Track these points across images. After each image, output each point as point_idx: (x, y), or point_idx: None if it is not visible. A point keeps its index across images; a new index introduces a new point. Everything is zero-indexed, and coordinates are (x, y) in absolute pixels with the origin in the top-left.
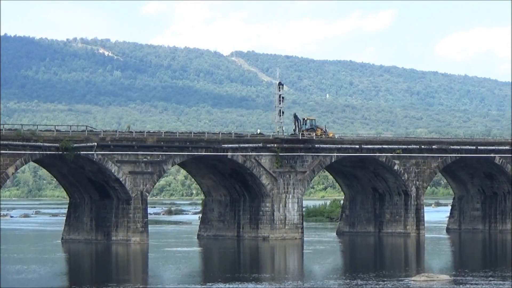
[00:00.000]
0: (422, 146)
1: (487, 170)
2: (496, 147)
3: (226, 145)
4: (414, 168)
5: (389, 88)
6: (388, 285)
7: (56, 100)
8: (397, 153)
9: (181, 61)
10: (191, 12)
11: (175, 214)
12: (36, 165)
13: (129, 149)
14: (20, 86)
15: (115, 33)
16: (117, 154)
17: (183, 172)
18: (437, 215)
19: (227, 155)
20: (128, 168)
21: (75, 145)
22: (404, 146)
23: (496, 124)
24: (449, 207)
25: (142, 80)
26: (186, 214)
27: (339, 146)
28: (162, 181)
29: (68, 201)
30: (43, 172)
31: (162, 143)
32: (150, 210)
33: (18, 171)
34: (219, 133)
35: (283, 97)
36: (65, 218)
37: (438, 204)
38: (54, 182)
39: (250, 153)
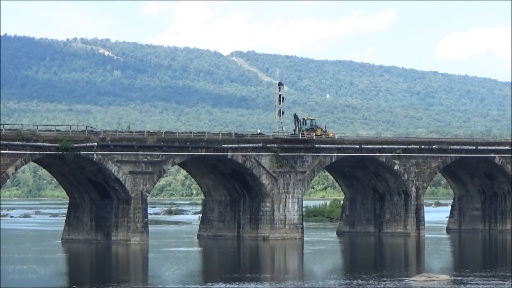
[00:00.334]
0: (422, 146)
1: (487, 170)
2: (496, 147)
3: (226, 145)
4: (414, 168)
5: (389, 88)
6: (388, 285)
7: (56, 100)
8: (397, 153)
9: (181, 61)
10: (191, 12)
11: (175, 214)
12: (36, 165)
13: (129, 149)
14: (20, 86)
15: (115, 33)
16: (117, 154)
17: (183, 172)
18: (437, 215)
19: (227, 155)
20: (128, 168)
21: (75, 145)
22: (404, 146)
23: (496, 124)
24: (449, 207)
25: (142, 80)
26: (186, 214)
27: (339, 146)
28: (162, 181)
29: (68, 201)
30: (43, 172)
31: (162, 143)
32: (150, 210)
33: (18, 171)
34: (219, 133)
35: (283, 97)
36: (65, 218)
37: (438, 204)
38: (54, 182)
39: (250, 153)
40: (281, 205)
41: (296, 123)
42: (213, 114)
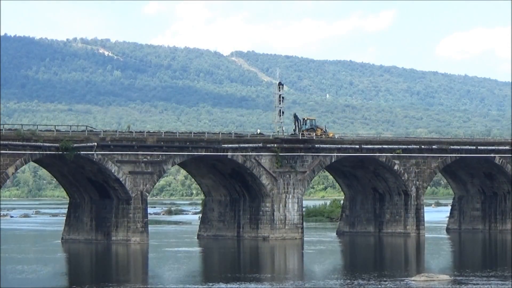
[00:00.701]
0: (422, 146)
1: (487, 170)
2: (496, 147)
3: (226, 145)
4: (414, 168)
5: (389, 88)
6: (388, 285)
7: (56, 100)
8: (397, 153)
9: (181, 61)
10: (191, 12)
11: (175, 214)
12: (36, 165)
13: (129, 149)
14: (20, 86)
15: (115, 33)
16: (117, 154)
17: (183, 172)
18: (437, 215)
19: (227, 155)
20: (128, 168)
21: (75, 145)
22: (404, 146)
23: (496, 124)
24: (449, 207)
25: (142, 80)
26: (186, 214)
27: (339, 146)
28: (162, 181)
29: (68, 201)
30: (43, 172)
31: (162, 143)
32: (150, 210)
33: (18, 171)
34: (219, 133)
35: (283, 97)
36: (65, 218)
37: (438, 204)
38: (54, 182)
39: (250, 153)
40: (281, 205)
41: (296, 123)
42: (213, 114)
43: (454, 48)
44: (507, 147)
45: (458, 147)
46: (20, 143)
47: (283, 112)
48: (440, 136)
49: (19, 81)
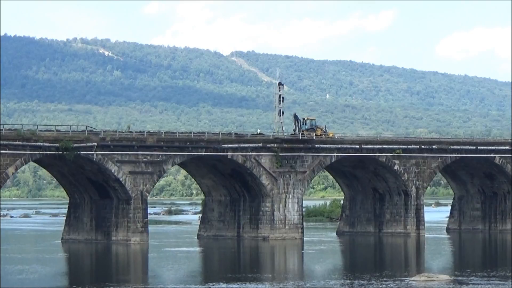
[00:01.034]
0: (422, 146)
1: (487, 170)
2: (496, 147)
3: (226, 145)
4: (414, 168)
5: (389, 88)
6: (388, 285)
7: (56, 100)
8: (397, 153)
9: (181, 61)
10: (192, 12)
11: (175, 214)
12: (36, 165)
13: (129, 149)
14: (20, 86)
15: (115, 33)
16: (117, 154)
17: (183, 172)
18: (437, 215)
19: (227, 155)
20: (128, 168)
21: (75, 145)
22: (404, 146)
23: (496, 124)
24: (449, 207)
25: (142, 80)
26: (186, 214)
27: (339, 146)
28: (162, 181)
29: (68, 201)
30: (43, 172)
31: (162, 143)
32: (150, 210)
33: (18, 171)
34: (219, 133)
35: (283, 97)
36: (65, 218)
37: (438, 204)
38: (54, 182)
39: (250, 153)
40: (281, 205)
41: (296, 123)
42: (213, 114)
43: (454, 48)
44: (507, 147)
45: (458, 147)
46: (20, 143)
47: (283, 112)
48: (440, 136)
49: (19, 81)
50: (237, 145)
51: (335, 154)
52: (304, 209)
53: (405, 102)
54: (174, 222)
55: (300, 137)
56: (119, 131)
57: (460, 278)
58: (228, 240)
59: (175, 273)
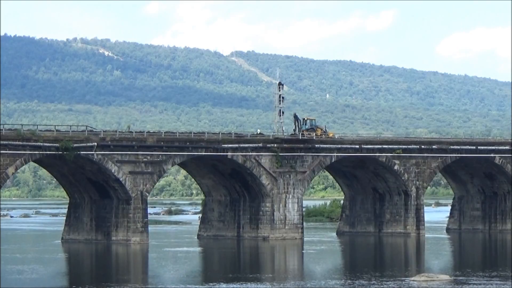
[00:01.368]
0: (422, 146)
1: (487, 170)
2: (496, 147)
3: (226, 145)
4: (414, 168)
5: (389, 88)
6: (388, 285)
7: (56, 100)
8: (397, 153)
9: (181, 61)
10: (192, 12)
11: (175, 214)
12: (36, 165)
13: (129, 149)
14: (20, 86)
15: (115, 33)
16: (117, 154)
17: (183, 172)
18: (437, 215)
19: (227, 155)
20: (128, 168)
21: (75, 145)
22: (404, 146)
23: (496, 124)
24: (449, 207)
25: (142, 80)
26: (186, 214)
27: (339, 146)
28: (162, 181)
29: (68, 201)
30: (43, 172)
31: (162, 143)
32: (150, 210)
33: (18, 171)
34: (219, 133)
35: (283, 97)
36: (65, 218)
37: (438, 204)
38: (54, 182)
39: (250, 153)
40: (281, 205)
41: (296, 123)
42: (213, 114)
43: (454, 48)
44: (507, 147)
45: (458, 147)
46: (20, 143)
47: (283, 112)
48: (440, 136)
49: (19, 81)
50: (237, 145)
51: (335, 154)
52: (304, 209)
53: (405, 102)
54: (174, 222)
55: (300, 137)
56: (119, 131)
57: (460, 278)
58: (228, 240)
59: (175, 273)
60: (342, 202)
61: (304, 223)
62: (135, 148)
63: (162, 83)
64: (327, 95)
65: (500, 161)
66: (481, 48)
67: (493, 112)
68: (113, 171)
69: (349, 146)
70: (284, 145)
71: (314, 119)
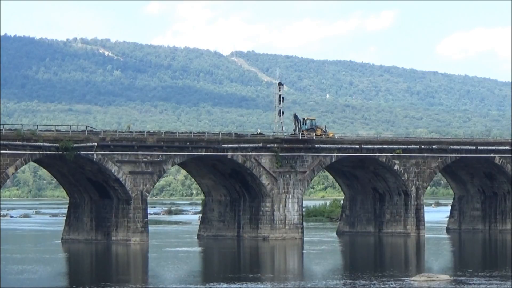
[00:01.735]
0: (422, 146)
1: (487, 170)
2: (496, 147)
3: (226, 145)
4: (414, 168)
5: (389, 88)
6: (388, 285)
7: (56, 100)
8: (397, 153)
9: (181, 61)
10: (192, 12)
11: (175, 214)
12: (36, 165)
13: (129, 149)
14: (20, 86)
15: (115, 33)
16: (117, 154)
17: (183, 172)
18: (437, 215)
19: (227, 155)
20: (128, 168)
21: (75, 145)
22: (404, 146)
23: (496, 124)
24: (449, 207)
25: (142, 80)
26: (186, 214)
27: (339, 146)
28: (162, 181)
29: (68, 201)
30: (43, 172)
31: (162, 143)
32: (150, 210)
33: (18, 171)
34: (219, 133)
35: (283, 97)
36: (65, 218)
37: (438, 204)
38: (54, 182)
39: (250, 153)
40: (281, 205)
41: (296, 123)
42: (213, 114)
43: (454, 48)
44: (507, 147)
45: (458, 147)
46: (20, 143)
47: (283, 112)
48: (440, 136)
49: (19, 81)
50: (237, 145)
51: (335, 154)
52: (304, 209)
53: (405, 102)
54: (174, 222)
55: (300, 137)
56: (119, 131)
57: (460, 278)
58: (228, 240)
59: (175, 273)
60: (342, 202)
61: (304, 223)
62: (135, 148)
63: (162, 83)
64: (327, 95)
65: (500, 161)
66: (481, 48)
67: (493, 112)
68: (113, 171)
69: (349, 146)
70: (284, 145)
71: (314, 119)
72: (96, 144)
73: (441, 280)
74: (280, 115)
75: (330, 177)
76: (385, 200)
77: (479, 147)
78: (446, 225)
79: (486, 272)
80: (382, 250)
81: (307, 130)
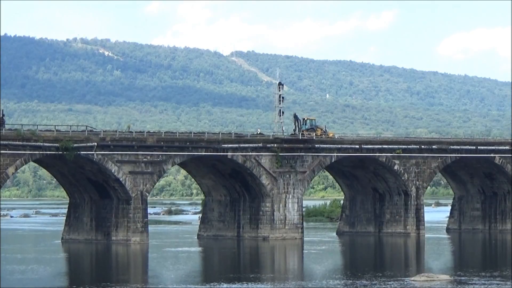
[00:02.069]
0: (422, 146)
1: (487, 170)
2: (496, 147)
3: (226, 145)
4: (414, 168)
5: (389, 88)
6: (388, 285)
7: (56, 100)
8: (397, 153)
9: (181, 61)
10: (192, 12)
11: (175, 214)
12: (36, 165)
13: (129, 149)
14: (20, 86)
15: (115, 33)
16: (117, 154)
17: (183, 172)
18: (437, 215)
19: (227, 155)
20: (128, 168)
21: (75, 145)
22: (404, 146)
23: (496, 124)
24: (449, 207)
25: (142, 80)
26: (186, 214)
27: (339, 146)
28: (162, 181)
29: (68, 201)
30: (43, 172)
31: (162, 143)
32: (150, 210)
33: (18, 171)
34: (219, 133)
35: (283, 97)
36: (65, 218)
37: (438, 204)
38: (54, 182)
39: (250, 153)
40: (281, 205)
41: (296, 123)
42: (213, 114)
43: (454, 48)
44: (507, 147)
45: (458, 147)
46: (20, 143)
47: (283, 112)
48: (440, 136)
49: (19, 81)
50: (237, 145)
51: (335, 154)
52: (304, 209)
53: (405, 102)
54: (174, 222)
55: (300, 137)
56: (119, 131)
57: (460, 278)
58: (228, 240)
59: (175, 273)
60: (342, 202)
61: (304, 223)
62: (135, 148)
63: (162, 83)
64: (327, 95)
65: (500, 161)
66: (481, 48)
67: (493, 112)
68: (113, 171)
69: (349, 146)
70: (284, 145)
71: (314, 119)
72: (96, 144)
73: (441, 280)
74: (280, 115)
75: (330, 177)
76: (385, 200)
77: (479, 147)
78: (446, 225)
79: (486, 272)
80: (382, 250)
81: (307, 130)
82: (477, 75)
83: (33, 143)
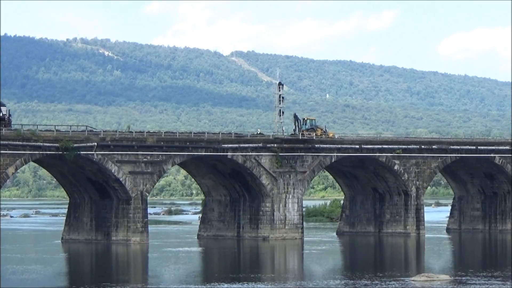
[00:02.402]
0: (422, 146)
1: (487, 170)
2: (496, 147)
3: (226, 145)
4: (414, 168)
5: (389, 88)
6: (388, 285)
7: (56, 100)
8: (397, 153)
9: (181, 61)
10: (192, 12)
11: (175, 214)
12: (36, 165)
13: (129, 149)
14: (20, 86)
15: (115, 33)
16: (117, 154)
17: (183, 172)
18: (437, 215)
19: (227, 155)
20: (128, 168)
21: (75, 145)
22: (404, 146)
23: (496, 124)
24: (449, 207)
25: (142, 80)
26: (186, 214)
27: (339, 146)
28: (162, 181)
29: (68, 201)
30: (43, 172)
31: (162, 143)
32: (150, 210)
33: (18, 171)
34: (219, 133)
35: (283, 97)
36: (65, 218)
37: (438, 204)
38: (54, 182)
39: (250, 153)
40: (281, 205)
41: (296, 123)
42: (213, 114)
43: (454, 48)
44: (507, 147)
45: (458, 147)
46: (20, 143)
47: (283, 112)
48: (440, 136)
49: (19, 81)
50: (237, 145)
51: (335, 154)
52: (304, 209)
53: (405, 102)
54: (174, 222)
55: (300, 137)
56: (119, 131)
57: (460, 278)
58: (228, 240)
59: (175, 273)
60: (342, 202)
61: (304, 223)
62: (135, 148)
63: (162, 83)
64: (327, 95)
65: (500, 161)
66: (481, 48)
67: (493, 112)
68: (113, 171)
69: (349, 146)
70: (284, 145)
71: (314, 119)
72: (96, 144)
73: (441, 280)
74: (280, 115)
75: (330, 177)
76: (385, 200)
77: (479, 147)
78: (446, 225)
79: (486, 272)
80: (382, 250)
81: (307, 130)
82: (477, 75)
83: (33, 143)
